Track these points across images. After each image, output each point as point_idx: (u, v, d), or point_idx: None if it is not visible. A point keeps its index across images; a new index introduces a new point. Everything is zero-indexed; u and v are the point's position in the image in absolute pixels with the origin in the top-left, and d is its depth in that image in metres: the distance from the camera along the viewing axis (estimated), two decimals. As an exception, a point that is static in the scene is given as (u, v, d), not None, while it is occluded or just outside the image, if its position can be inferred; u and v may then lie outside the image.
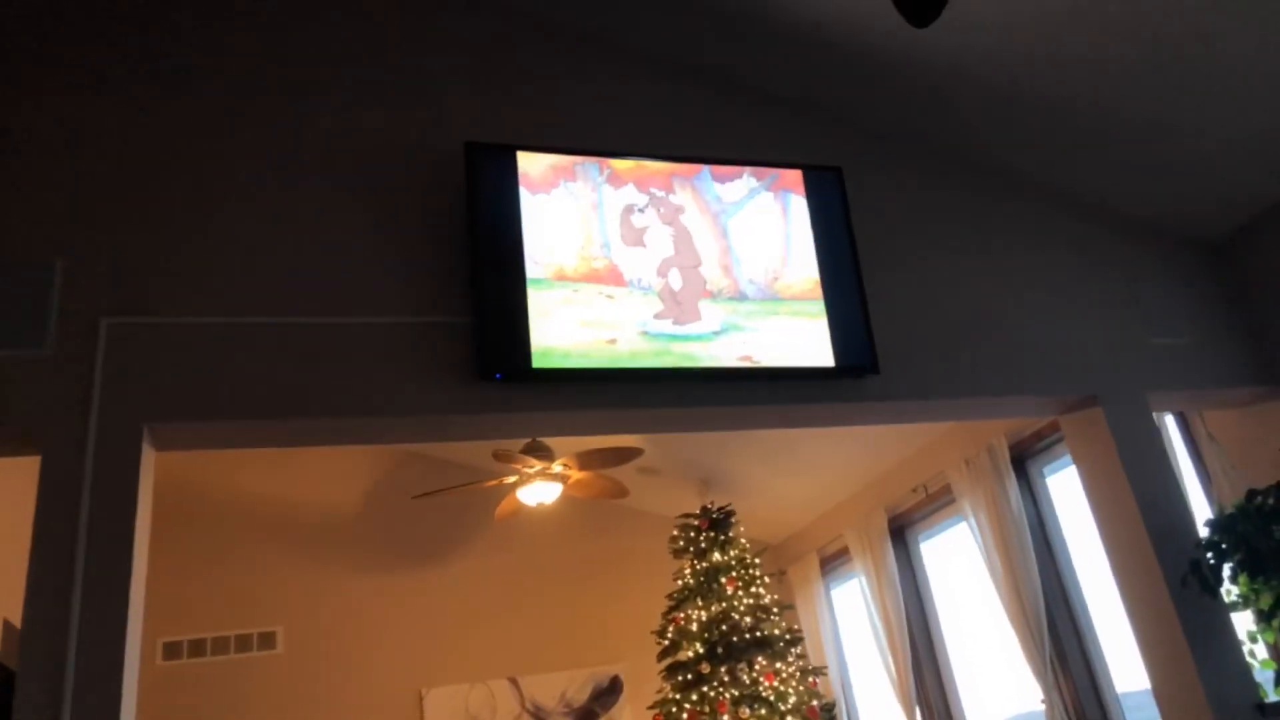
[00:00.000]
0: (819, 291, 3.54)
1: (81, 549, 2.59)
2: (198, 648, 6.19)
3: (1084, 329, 3.85)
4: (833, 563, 7.04)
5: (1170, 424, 4.46)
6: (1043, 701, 4.85)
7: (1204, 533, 3.48)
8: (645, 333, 3.28)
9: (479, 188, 3.27)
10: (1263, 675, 3.45)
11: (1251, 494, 3.40)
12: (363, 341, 3.04)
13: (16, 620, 4.44)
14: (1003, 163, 4.04)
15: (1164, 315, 4.01)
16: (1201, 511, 4.06)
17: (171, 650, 6.13)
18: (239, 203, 3.14)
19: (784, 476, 6.66)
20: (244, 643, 6.28)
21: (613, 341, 3.23)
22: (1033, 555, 5.04)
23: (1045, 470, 5.28)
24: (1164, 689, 3.42)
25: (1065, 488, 5.19)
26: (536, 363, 3.14)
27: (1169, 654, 3.39)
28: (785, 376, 3.40)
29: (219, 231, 3.08)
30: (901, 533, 6.37)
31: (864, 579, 6.35)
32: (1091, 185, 4.06)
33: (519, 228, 3.28)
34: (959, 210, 3.97)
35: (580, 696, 6.73)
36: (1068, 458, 5.08)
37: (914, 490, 6.06)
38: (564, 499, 7.17)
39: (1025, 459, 5.33)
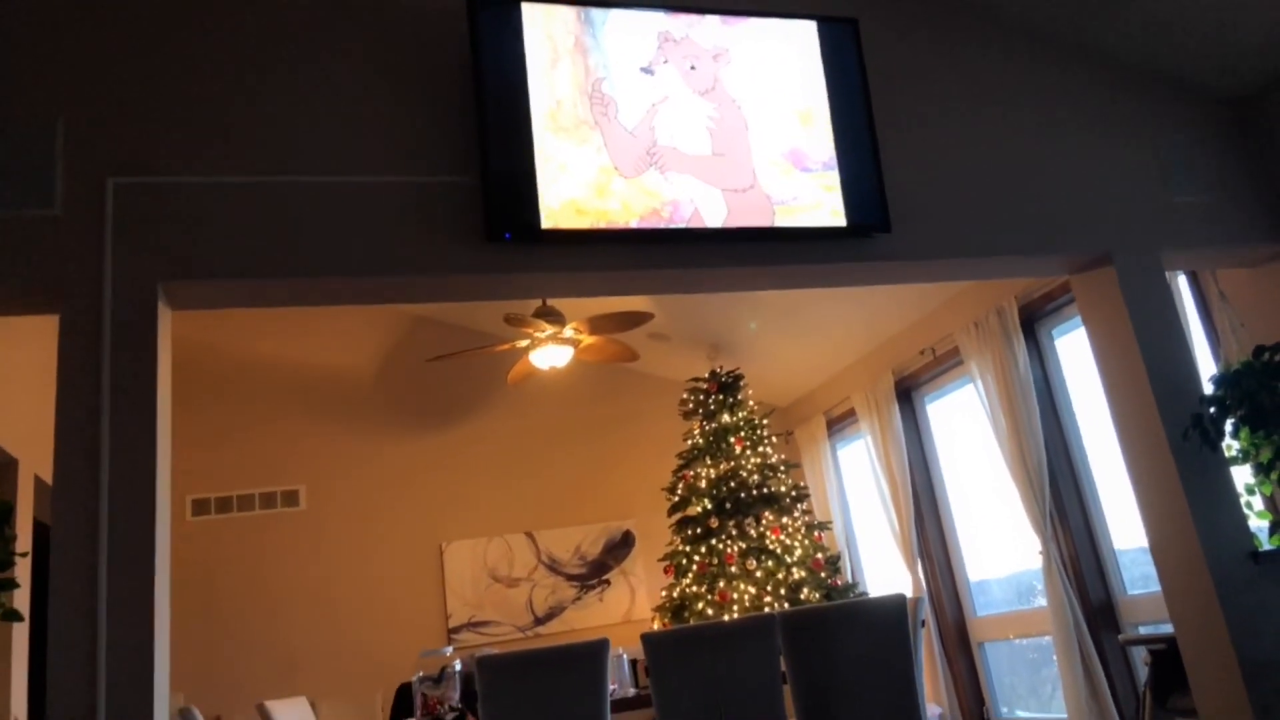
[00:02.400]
0: (831, 148, 3.49)
1: (106, 406, 2.65)
2: (224, 504, 6.41)
3: (1100, 187, 3.79)
4: (839, 424, 7.16)
5: (1181, 283, 4.45)
6: (1040, 554, 5.02)
7: (1209, 389, 3.52)
8: (656, 209, 3.25)
9: (483, 43, 3.19)
10: (1258, 526, 3.55)
11: (1259, 350, 3.42)
12: (373, 201, 3.03)
13: (47, 476, 4.63)
14: (1020, 17, 3.89)
15: (1184, 172, 3.93)
16: (1207, 370, 4.09)
17: (200, 506, 6.36)
18: (245, 61, 3.07)
19: (792, 341, 6.71)
20: (268, 500, 6.50)
21: (622, 204, 3.21)
22: (1037, 415, 5.12)
23: (1053, 332, 5.30)
24: (1160, 540, 3.53)
25: (1072, 350, 5.23)
26: (546, 223, 3.13)
27: (1167, 505, 3.48)
28: (795, 236, 3.38)
29: (225, 90, 3.02)
30: (908, 394, 6.46)
31: (870, 439, 6.47)
32: (1113, 40, 3.92)
33: (524, 84, 3.21)
34: (974, 67, 3.86)
35: (594, 550, 7.00)
36: (1076, 320, 5.10)
37: (921, 353, 6.11)
38: (575, 363, 7.27)
39: (1033, 321, 5.34)
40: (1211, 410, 3.45)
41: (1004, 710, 5.82)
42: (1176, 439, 3.47)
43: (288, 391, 6.77)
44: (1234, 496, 3.47)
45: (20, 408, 4.43)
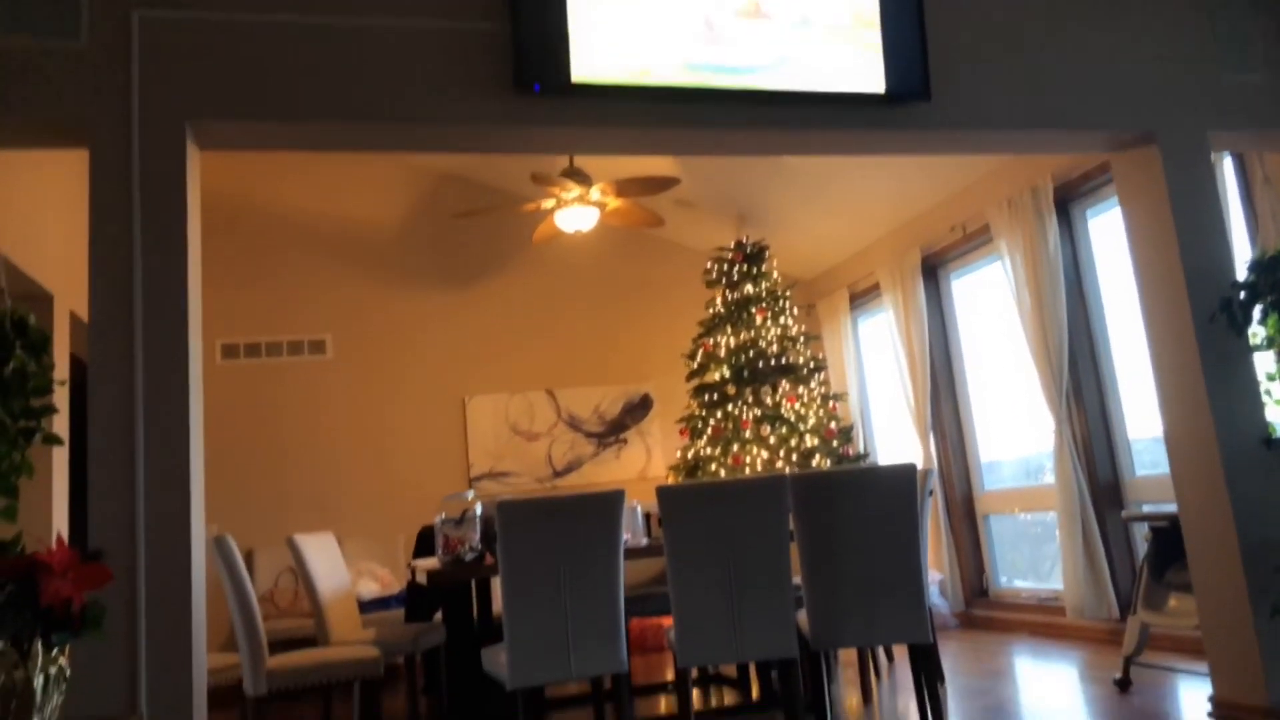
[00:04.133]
0: (875, 13, 3.36)
1: (138, 245, 2.68)
2: (253, 350, 6.55)
3: (1150, 63, 3.65)
4: (862, 298, 7.15)
5: (1226, 165, 4.33)
6: (1053, 433, 5.08)
7: (1242, 274, 3.48)
8: (688, 64, 3.16)
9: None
10: (1276, 414, 3.56)
11: (1296, 238, 3.36)
12: (402, 45, 2.97)
13: (82, 313, 4.72)
14: None
15: (1236, 50, 3.76)
16: (1243, 255, 4.03)
17: (229, 351, 6.50)
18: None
19: (821, 214, 6.63)
20: (295, 348, 6.63)
21: (655, 60, 3.12)
22: (1063, 296, 5.09)
23: (1087, 213, 5.21)
24: (1175, 423, 3.56)
25: (1104, 232, 5.14)
26: (576, 76, 3.06)
27: (1185, 387, 3.49)
28: (833, 101, 3.30)
29: (246, -81, 2.92)
30: (934, 271, 6.41)
31: (892, 313, 6.47)
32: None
33: (560, -75, 3.08)
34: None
35: (613, 410, 7.13)
36: (1111, 201, 5.00)
37: (951, 229, 6.03)
38: (600, 226, 7.24)
39: (1068, 201, 5.24)
40: (1241, 295, 3.42)
41: (1002, 581, 6.01)
42: (1203, 322, 3.45)
43: (316, 243, 6.80)
44: (1254, 382, 3.47)
45: (55, 243, 4.49)
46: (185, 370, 2.68)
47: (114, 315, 2.66)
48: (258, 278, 6.64)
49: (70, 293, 4.61)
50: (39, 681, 1.85)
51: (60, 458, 4.44)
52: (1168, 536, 3.86)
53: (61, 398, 4.05)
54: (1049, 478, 5.38)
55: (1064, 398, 5.08)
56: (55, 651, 1.89)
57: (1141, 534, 4.81)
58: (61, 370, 4.33)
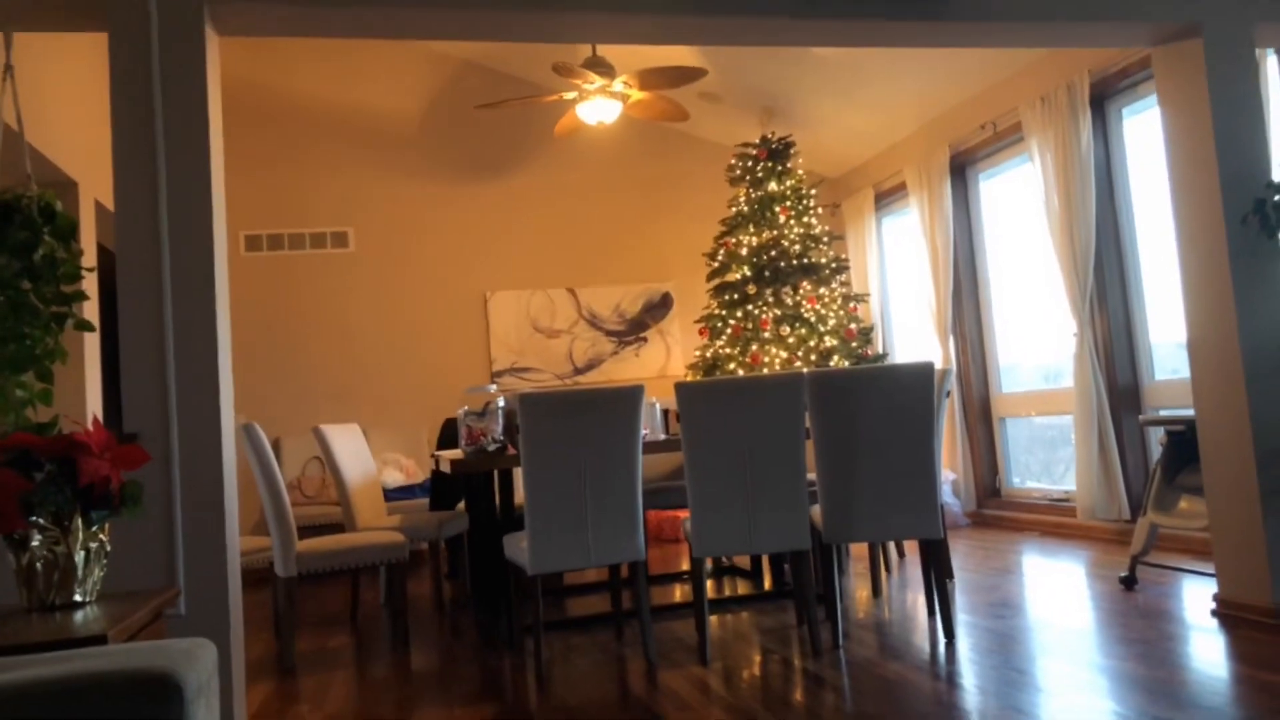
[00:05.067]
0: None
1: (160, 131, 2.67)
2: (276, 242, 6.57)
3: (1201, -51, 3.49)
4: (888, 198, 7.05)
5: (1270, 63, 4.19)
6: (1074, 335, 5.06)
7: (1278, 176, 3.40)
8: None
9: None
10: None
11: (1338, 139, 3.27)
12: (419, -74, 2.88)
13: (107, 201, 4.73)
14: None
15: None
16: (1280, 158, 3.93)
17: (252, 243, 6.53)
18: None
19: (848, 109, 6.47)
20: (318, 240, 6.64)
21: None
22: (1093, 196, 5.00)
23: (1123, 111, 5.06)
24: (1198, 326, 3.53)
25: (1139, 132, 5.01)
26: (601, -41, 2.97)
27: (1212, 289, 3.45)
28: (863, -12, 3.19)
29: None
30: (962, 170, 6.30)
31: (918, 213, 6.38)
32: None
33: None
34: None
35: (633, 308, 7.15)
36: (1148, 99, 4.86)
37: (981, 128, 5.89)
38: (623, 120, 7.12)
39: (1104, 99, 5.09)
40: (1276, 197, 3.35)
41: (1015, 482, 6.09)
42: (1234, 224, 3.39)
43: (338, 133, 6.74)
44: (1281, 288, 3.43)
45: (79, 130, 4.47)
46: (210, 256, 2.70)
47: (139, 202, 2.67)
48: (280, 169, 6.62)
49: (95, 181, 4.62)
50: (80, 556, 1.94)
51: (92, 346, 4.52)
52: (1183, 441, 3.88)
53: (90, 285, 4.10)
54: (1067, 381, 5.39)
55: (1087, 301, 5.04)
56: (95, 528, 1.97)
57: (1157, 438, 4.83)
58: (89, 258, 4.38)
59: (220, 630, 2.48)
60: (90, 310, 4.13)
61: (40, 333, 2.53)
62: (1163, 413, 4.85)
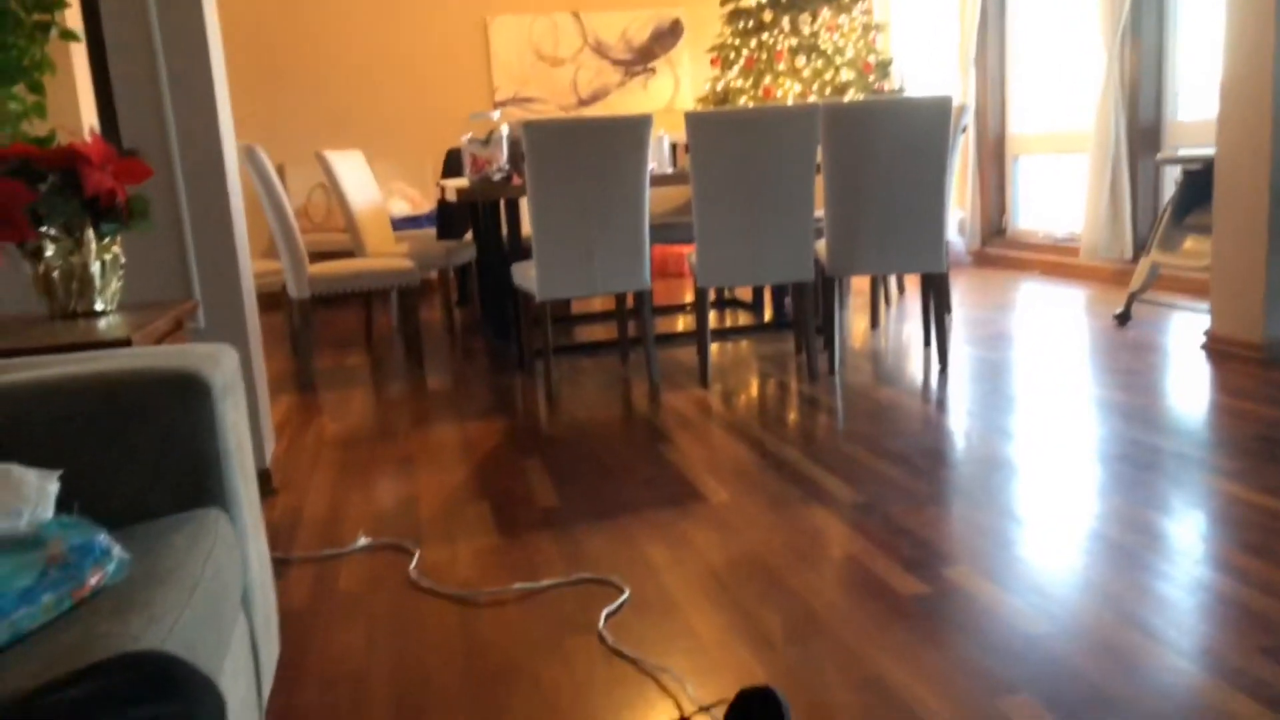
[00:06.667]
0: None
1: None
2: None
3: None
4: (920, -86, 6.51)
5: None
6: (1102, 69, 4.85)
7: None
8: None
9: None
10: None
11: None
12: None
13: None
14: None
15: None
16: None
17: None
18: None
19: None
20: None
21: None
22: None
23: None
24: (1234, 62, 3.37)
25: None
26: None
27: (1257, 24, 3.27)
28: None
29: None
30: (1003, -118, 5.77)
31: (950, -67, 5.92)
32: None
33: None
34: None
35: (640, 36, 6.81)
36: None
37: None
38: None
39: None
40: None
41: (1021, 222, 6.06)
42: (1289, -55, 3.15)
43: None
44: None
45: None
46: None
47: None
48: None
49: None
50: (96, 267, 1.97)
51: (81, 62, 4.35)
52: (1198, 180, 3.82)
53: (70, -4, 3.88)
54: (1086, 121, 5.23)
55: (1120, 31, 4.79)
56: (107, 240, 1.99)
57: (1173, 177, 4.76)
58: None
59: (240, 342, 2.57)
60: (73, 18, 3.93)
61: (25, 43, 2.43)
62: (1182, 152, 4.75)
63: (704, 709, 1.44)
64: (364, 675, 1.61)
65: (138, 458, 1.24)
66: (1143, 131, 4.92)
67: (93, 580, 0.97)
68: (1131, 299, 4.00)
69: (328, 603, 1.90)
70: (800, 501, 2.27)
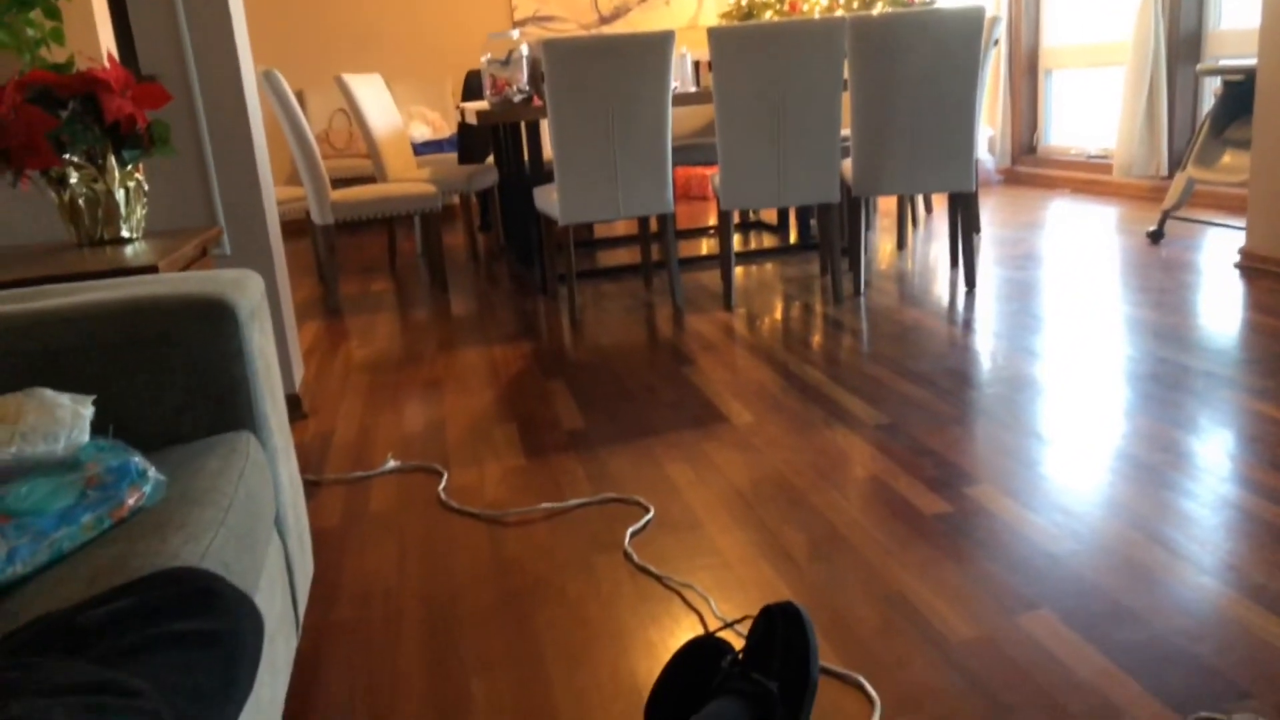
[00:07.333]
0: None
1: None
2: None
3: None
4: None
5: None
6: (1141, -23, 4.67)
7: None
8: None
9: None
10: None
11: None
12: None
13: None
14: None
15: None
16: None
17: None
18: None
19: None
20: None
21: None
22: None
23: None
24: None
25: None
26: None
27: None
28: None
29: None
30: None
31: None
32: None
33: None
34: None
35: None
36: None
37: None
38: None
39: None
40: None
41: (1052, 139, 5.91)
42: None
43: None
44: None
45: None
46: None
47: None
48: None
49: None
50: (120, 194, 1.98)
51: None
52: (1239, 92, 3.70)
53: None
54: (1122, 31, 5.05)
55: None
56: (130, 166, 1.99)
57: (1212, 89, 4.61)
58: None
59: (265, 268, 2.58)
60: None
61: (39, -34, 2.40)
62: (1223, 62, 4.59)
63: (728, 624, 1.47)
64: (396, 592, 1.65)
65: (168, 383, 1.26)
66: (1183, 41, 4.75)
67: (130, 500, 1.00)
68: (1165, 216, 3.91)
69: (359, 523, 1.95)
70: (824, 423, 2.27)
